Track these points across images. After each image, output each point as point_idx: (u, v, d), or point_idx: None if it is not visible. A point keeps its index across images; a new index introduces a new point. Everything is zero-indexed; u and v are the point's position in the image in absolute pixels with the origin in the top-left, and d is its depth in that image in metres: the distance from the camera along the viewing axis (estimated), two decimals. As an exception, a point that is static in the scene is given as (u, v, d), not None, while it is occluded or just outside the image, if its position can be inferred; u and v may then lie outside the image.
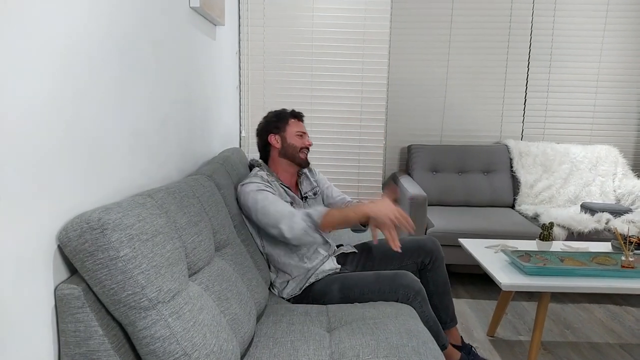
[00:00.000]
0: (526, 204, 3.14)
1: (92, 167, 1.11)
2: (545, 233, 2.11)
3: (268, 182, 1.85)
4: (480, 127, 3.49)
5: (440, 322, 1.97)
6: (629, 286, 1.77)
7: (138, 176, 1.38)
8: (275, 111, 2.02)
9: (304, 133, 1.98)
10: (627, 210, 2.83)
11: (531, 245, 2.24)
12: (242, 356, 1.33)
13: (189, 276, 1.23)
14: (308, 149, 1.97)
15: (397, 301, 1.73)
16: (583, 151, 3.24)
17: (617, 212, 2.80)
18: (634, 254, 2.03)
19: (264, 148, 2.00)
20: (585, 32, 3.36)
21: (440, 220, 2.83)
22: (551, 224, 2.12)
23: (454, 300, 2.70)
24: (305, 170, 2.08)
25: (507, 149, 3.32)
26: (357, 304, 1.73)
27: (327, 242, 1.89)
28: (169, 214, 1.22)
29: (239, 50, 2.94)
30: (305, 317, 1.59)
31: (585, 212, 2.86)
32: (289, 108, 2.03)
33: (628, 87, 3.43)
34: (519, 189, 3.21)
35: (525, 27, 3.37)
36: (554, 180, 3.17)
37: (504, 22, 3.36)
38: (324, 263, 1.91)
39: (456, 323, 2.00)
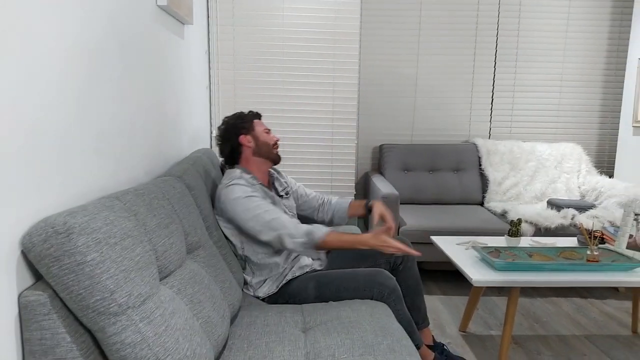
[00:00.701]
0: (495, 201, 3.21)
1: (56, 170, 1.08)
2: (514, 229, 2.16)
3: (252, 184, 1.83)
4: (450, 126, 3.55)
5: (415, 319, 1.99)
6: (594, 279, 1.82)
7: (104, 178, 1.34)
8: (235, 114, 2.00)
9: (269, 130, 2.00)
10: (592, 206, 2.92)
11: (500, 241, 2.28)
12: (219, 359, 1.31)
13: (160, 280, 1.20)
14: (277, 144, 1.98)
15: (372, 299, 1.74)
16: (549, 149, 3.34)
17: (582, 207, 2.89)
18: (598, 248, 2.10)
19: (234, 150, 1.95)
20: (549, 33, 3.46)
21: (412, 218, 2.86)
22: (519, 220, 2.18)
23: (427, 297, 2.74)
24: (274, 172, 2.08)
25: (475, 147, 3.39)
26: (332, 302, 1.73)
27: (318, 259, 1.91)
28: (138, 217, 1.19)
29: (209, 49, 2.90)
30: (280, 318, 1.58)
31: (552, 208, 2.94)
32: (245, 110, 2.04)
33: (590, 86, 3.54)
34: (487, 186, 3.27)
35: (491, 29, 3.44)
36: (520, 177, 3.25)
37: (471, 25, 3.43)
38: (300, 258, 1.91)
39: (428, 324, 2.02)
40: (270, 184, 2.01)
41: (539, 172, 3.27)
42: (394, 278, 1.78)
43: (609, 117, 3.59)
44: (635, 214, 2.03)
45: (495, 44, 3.47)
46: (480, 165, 3.35)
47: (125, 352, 0.97)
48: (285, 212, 1.95)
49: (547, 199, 3.10)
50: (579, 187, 3.25)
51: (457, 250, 2.13)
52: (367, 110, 3.52)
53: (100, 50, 1.31)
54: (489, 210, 3.15)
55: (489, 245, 2.19)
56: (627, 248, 2.04)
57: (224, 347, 1.39)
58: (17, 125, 0.93)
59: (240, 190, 1.77)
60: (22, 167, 0.95)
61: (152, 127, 1.77)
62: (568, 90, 3.54)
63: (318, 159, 3.04)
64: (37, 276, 0.99)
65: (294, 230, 1.70)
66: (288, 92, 2.97)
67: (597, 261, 1.92)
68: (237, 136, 1.93)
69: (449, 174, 3.34)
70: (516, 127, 3.56)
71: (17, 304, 0.93)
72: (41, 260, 0.93)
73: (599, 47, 3.49)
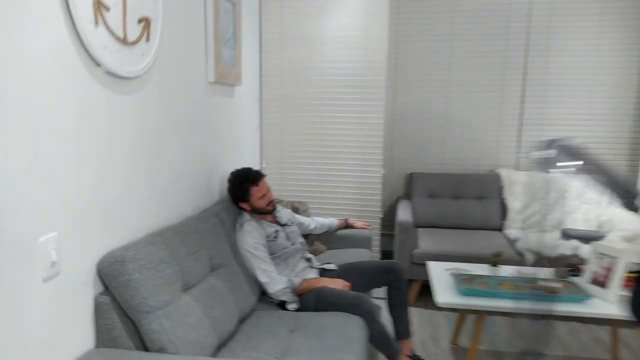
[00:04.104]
0: (513, 228, 3.49)
1: (122, 217, 1.73)
2: (494, 260, 2.52)
3: (257, 225, 2.42)
4: (478, 157, 3.87)
5: (398, 332, 2.45)
6: (540, 307, 2.16)
7: (157, 218, 2.00)
8: (238, 179, 2.48)
9: (265, 193, 2.47)
10: (601, 237, 3.12)
11: (485, 269, 2.65)
12: (222, 347, 1.91)
13: (184, 290, 1.82)
14: (273, 201, 2.51)
15: (356, 314, 2.24)
16: (571, 180, 3.54)
17: (591, 237, 3.10)
18: (567, 280, 2.39)
19: (239, 206, 2.53)
20: (578, 70, 3.65)
21: (426, 242, 3.27)
22: (500, 252, 2.53)
23: (434, 312, 3.14)
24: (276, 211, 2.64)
25: (499, 177, 3.68)
26: (324, 312, 2.25)
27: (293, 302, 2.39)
28: (172, 248, 1.82)
29: (260, 96, 3.54)
30: (279, 321, 2.14)
31: (566, 238, 3.18)
32: (252, 168, 2.54)
33: (620, 120, 3.67)
34: (507, 214, 3.56)
35: (519, 67, 3.72)
36: (540, 207, 3.50)
37: (499, 63, 3.73)
38: (307, 273, 2.47)
39: (409, 336, 2.46)
40: (273, 217, 2.58)
41: (560, 202, 3.49)
42: (373, 303, 2.25)
43: (637, 150, 3.68)
44: (599, 253, 2.31)
45: (522, 81, 3.73)
46: (502, 194, 3.64)
47: (152, 336, 1.59)
48: (288, 238, 2.52)
49: (562, 229, 3.33)
50: (598, 218, 3.42)
51: (442, 275, 2.54)
52: (402, 141, 3.96)
53: (157, 129, 1.96)
54: (505, 237, 3.44)
55: (473, 272, 2.57)
56: (591, 283, 2.32)
57: (231, 338, 1.99)
58: (98, 192, 1.59)
59: (249, 243, 2.37)
60: (100, 219, 1.61)
61: (200, 174, 2.42)
62: (597, 123, 3.69)
63: (348, 187, 3.55)
64: (105, 286, 1.65)
65: (277, 281, 2.33)
66: (325, 130, 3.52)
67: (555, 293, 2.24)
68: (237, 202, 2.50)
69: (472, 201, 3.67)
70: (543, 158, 3.78)
71: (93, 303, 1.59)
72: (106, 277, 1.58)
73: (628, 82, 3.61)
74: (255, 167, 3.47)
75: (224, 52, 2.61)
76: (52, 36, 1.32)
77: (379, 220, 3.55)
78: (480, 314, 2.30)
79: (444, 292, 2.32)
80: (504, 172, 3.68)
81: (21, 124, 1.24)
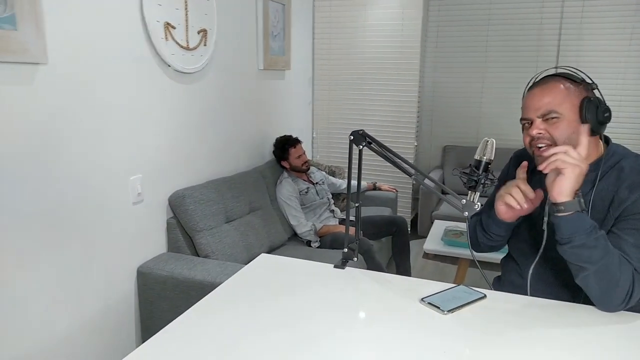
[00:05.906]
0: (532, 198, 3.85)
1: (186, 168, 2.53)
2: (485, 220, 3.00)
3: (293, 182, 3.12)
4: (510, 133, 4.22)
5: (399, 272, 3.06)
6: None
7: (213, 170, 2.78)
8: (280, 143, 3.15)
9: (301, 155, 3.14)
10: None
11: (480, 228, 3.13)
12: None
13: (227, 222, 2.59)
14: (307, 162, 3.17)
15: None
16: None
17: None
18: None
19: (281, 165, 3.21)
20: (610, 53, 3.83)
21: (448, 206, 3.78)
22: (490, 214, 3.00)
23: (444, 264, 3.67)
24: (311, 171, 3.29)
25: (525, 152, 4.02)
26: (336, 250, 2.93)
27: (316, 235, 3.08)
28: (219, 191, 2.59)
29: (313, 76, 4.20)
30: (299, 252, 2.86)
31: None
32: (292, 135, 3.21)
33: (653, 100, 3.80)
34: (529, 185, 3.91)
35: (552, 49, 3.97)
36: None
37: (533, 45, 4.01)
38: (329, 221, 3.15)
39: (409, 276, 3.05)
40: (307, 176, 3.26)
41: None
42: (371, 244, 2.87)
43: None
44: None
45: (555, 64, 3.99)
46: (526, 167, 3.98)
47: (201, 247, 2.38)
48: (317, 194, 3.19)
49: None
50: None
51: (440, 230, 3.08)
52: (441, 117, 4.41)
53: (216, 107, 2.72)
54: (524, 205, 3.82)
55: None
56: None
57: (261, 260, 2.73)
58: (172, 150, 2.39)
59: (285, 195, 3.06)
60: (172, 168, 2.41)
61: (252, 140, 3.17)
62: (628, 105, 3.86)
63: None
64: (173, 213, 2.46)
65: (304, 225, 2.99)
66: (365, 105, 4.10)
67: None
68: (279, 160, 3.18)
69: (498, 173, 4.05)
70: (572, 135, 4.04)
71: (165, 224, 2.41)
72: (173, 206, 2.39)
73: (662, 64, 3.73)
74: (307, 136, 4.16)
75: (272, 45, 3.30)
76: (137, 50, 2.09)
77: (410, 186, 4.10)
78: (460, 260, 2.84)
79: (432, 242, 2.88)
80: (529, 148, 4.01)
81: (118, 107, 2.04)
